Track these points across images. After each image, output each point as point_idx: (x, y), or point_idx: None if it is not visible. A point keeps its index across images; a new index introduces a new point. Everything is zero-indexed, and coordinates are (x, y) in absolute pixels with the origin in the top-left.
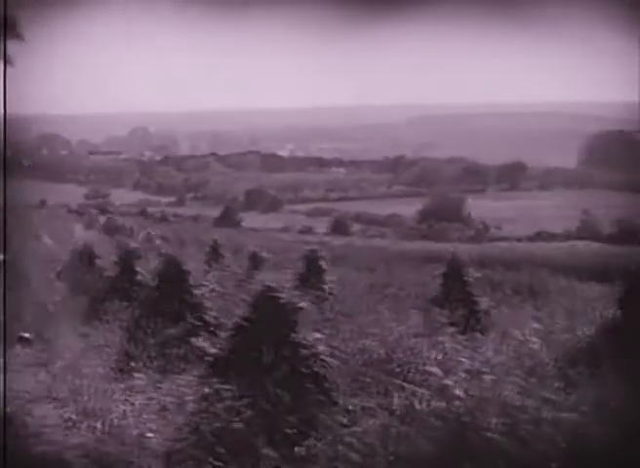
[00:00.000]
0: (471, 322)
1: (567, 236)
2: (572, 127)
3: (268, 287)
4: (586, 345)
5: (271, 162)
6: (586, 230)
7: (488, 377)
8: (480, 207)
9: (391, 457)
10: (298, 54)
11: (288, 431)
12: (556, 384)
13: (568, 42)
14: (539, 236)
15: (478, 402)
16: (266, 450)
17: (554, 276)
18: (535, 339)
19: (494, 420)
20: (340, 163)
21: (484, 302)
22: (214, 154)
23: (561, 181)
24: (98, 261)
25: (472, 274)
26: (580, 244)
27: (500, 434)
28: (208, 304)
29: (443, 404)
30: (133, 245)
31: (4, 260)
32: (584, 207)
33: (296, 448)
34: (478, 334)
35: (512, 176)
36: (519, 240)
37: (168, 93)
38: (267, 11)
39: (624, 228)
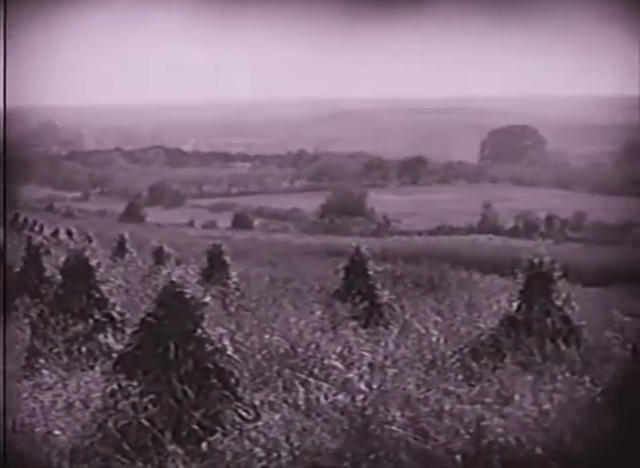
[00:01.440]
0: (373, 315)
1: (468, 230)
2: (474, 122)
3: (173, 282)
4: (488, 338)
5: (175, 157)
6: (488, 224)
7: (390, 370)
8: (382, 201)
9: (296, 452)
10: (200, 49)
11: (194, 427)
12: (458, 376)
13: (472, 38)
14: (439, 230)
15: (380, 395)
16: (172, 447)
17: (455, 269)
18: (436, 332)
19: (396, 413)
20: (244, 158)
21: (385, 296)
22: (118, 149)
23: (462, 176)
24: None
25: (374, 268)
26: (482, 237)
27: (402, 427)
28: (114, 300)
29: (346, 398)
30: (40, 240)
31: (4, 260)
32: (486, 201)
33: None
34: (380, 328)
35: (414, 171)
36: (420, 234)
37: (75, 87)
38: (168, 5)
39: (525, 222)
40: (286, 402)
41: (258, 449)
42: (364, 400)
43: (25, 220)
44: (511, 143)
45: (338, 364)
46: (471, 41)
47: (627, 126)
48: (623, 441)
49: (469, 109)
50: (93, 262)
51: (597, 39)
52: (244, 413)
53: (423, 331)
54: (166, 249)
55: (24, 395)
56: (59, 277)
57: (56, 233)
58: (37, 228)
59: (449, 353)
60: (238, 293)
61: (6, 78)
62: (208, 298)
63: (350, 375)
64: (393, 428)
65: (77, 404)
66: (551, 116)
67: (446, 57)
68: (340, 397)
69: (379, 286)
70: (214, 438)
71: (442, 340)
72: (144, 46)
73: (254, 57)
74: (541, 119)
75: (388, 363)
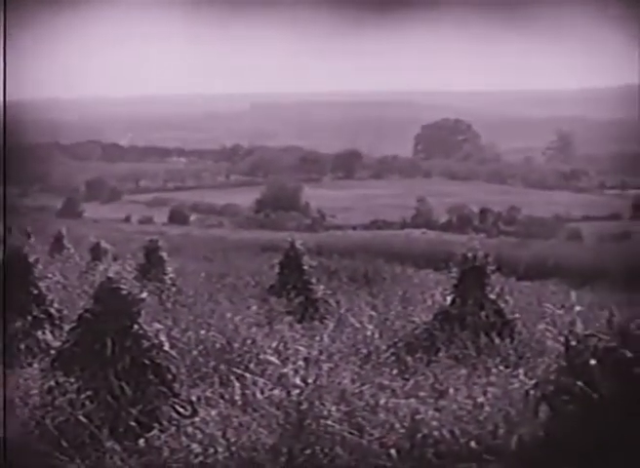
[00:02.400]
0: (308, 310)
1: (402, 224)
2: (408, 116)
3: (110, 278)
4: (423, 332)
5: (112, 151)
6: (422, 218)
7: (325, 365)
8: (316, 196)
9: (232, 448)
10: (138, 43)
11: (131, 423)
12: (393, 371)
13: (407, 33)
14: (374, 224)
15: (316, 390)
16: (110, 443)
17: (390, 264)
18: (370, 326)
19: (331, 408)
20: (181, 152)
21: (320, 291)
22: (56, 143)
23: (397, 170)
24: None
25: (309, 263)
26: (416, 232)
27: (337, 422)
28: (51, 297)
29: (282, 393)
30: None
31: (4, 261)
32: (420, 195)
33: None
34: (315, 323)
35: (348, 165)
36: (355, 228)
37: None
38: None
39: (459, 216)
40: (222, 397)
41: (195, 445)
42: (299, 395)
43: None
44: (445, 138)
45: (273, 359)
46: (406, 35)
47: (560, 120)
48: (557, 434)
49: (404, 103)
50: (31, 259)
51: (531, 34)
52: (181, 409)
53: (358, 325)
54: (103, 244)
55: None
56: None
57: None
58: None
59: (383, 347)
60: (174, 289)
61: None
62: (145, 294)
63: (286, 370)
64: (329, 423)
65: (16, 401)
66: (484, 110)
67: (380, 51)
68: (276, 392)
69: (313, 281)
70: (151, 434)
71: (377, 335)
72: (81, 41)
73: (189, 51)
74: (475, 113)
75: (323, 357)
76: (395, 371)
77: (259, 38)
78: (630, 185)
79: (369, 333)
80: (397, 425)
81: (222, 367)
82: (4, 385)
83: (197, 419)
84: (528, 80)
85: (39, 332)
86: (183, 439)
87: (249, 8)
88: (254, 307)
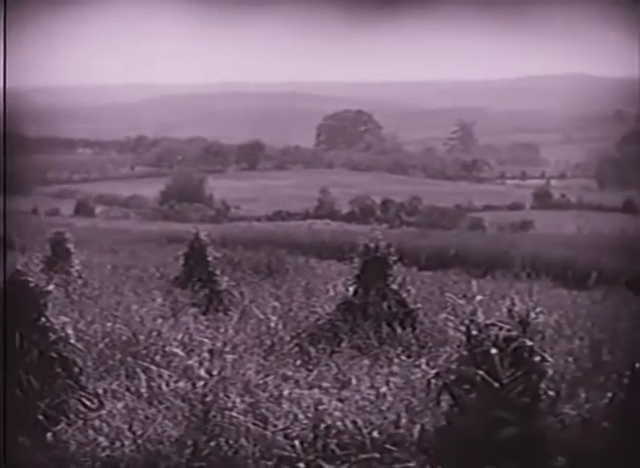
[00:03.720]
0: (213, 302)
1: (305, 215)
2: (309, 106)
3: (17, 270)
4: (326, 322)
5: (17, 142)
6: (324, 209)
7: (230, 357)
8: (221, 187)
9: (139, 440)
10: (43, 34)
11: (39, 417)
12: (297, 361)
13: (310, 25)
14: (277, 215)
15: (220, 381)
16: (22, 439)
17: (293, 255)
18: (274, 318)
19: (236, 399)
20: (86, 143)
21: (225, 282)
22: None
23: (299, 161)
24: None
25: (213, 254)
26: (319, 222)
27: (242, 413)
28: None
29: (187, 385)
30: None
31: (4, 261)
32: (322, 186)
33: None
34: (220, 314)
35: (251, 156)
36: (258, 219)
37: None
38: None
39: (361, 206)
40: (129, 390)
41: (101, 439)
42: (204, 386)
43: None
44: (346, 128)
45: (178, 351)
46: (310, 27)
47: (460, 110)
48: (459, 423)
49: (305, 94)
50: None
51: (432, 25)
52: (88, 403)
53: (262, 316)
54: (10, 236)
55: None
56: None
57: None
58: None
59: (287, 338)
60: (81, 282)
61: None
62: (51, 287)
63: (191, 362)
64: (233, 414)
65: None
66: (386, 101)
67: (282, 42)
68: (181, 384)
69: (218, 272)
70: (58, 428)
71: (280, 326)
72: None
73: (90, 42)
74: (376, 104)
75: (228, 349)
76: (299, 362)
77: (163, 29)
78: (530, 175)
79: (272, 325)
80: (301, 416)
81: (129, 359)
82: (4, 385)
83: (104, 412)
84: (429, 71)
85: None
86: (90, 432)
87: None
88: (159, 299)
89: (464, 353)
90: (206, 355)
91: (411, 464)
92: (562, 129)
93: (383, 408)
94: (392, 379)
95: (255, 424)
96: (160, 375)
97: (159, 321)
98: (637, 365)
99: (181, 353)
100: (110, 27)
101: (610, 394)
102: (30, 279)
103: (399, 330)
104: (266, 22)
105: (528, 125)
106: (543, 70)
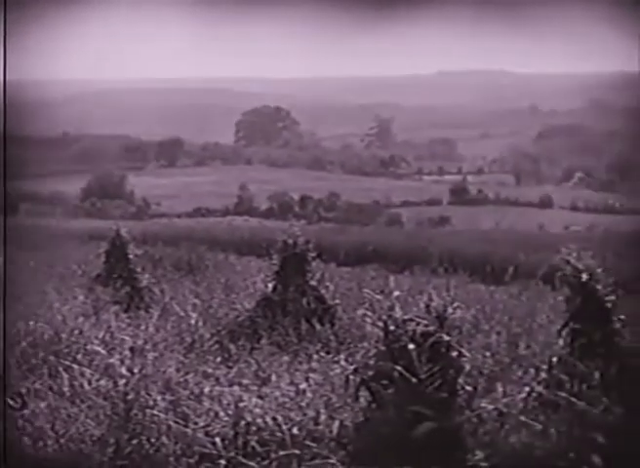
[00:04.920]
0: (134, 299)
1: (225, 211)
2: (228, 103)
3: None
4: (246, 319)
5: None
6: (244, 205)
7: (151, 354)
8: (141, 184)
9: (61, 440)
10: None
11: None
12: (217, 359)
13: (222, 22)
14: (197, 212)
15: (142, 379)
16: None
17: (213, 251)
18: (194, 315)
19: (157, 397)
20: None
21: (146, 279)
22: None
23: (218, 157)
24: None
25: (134, 251)
26: (238, 219)
27: (163, 411)
28: None
29: (109, 383)
30: None
31: (4, 263)
32: (241, 182)
33: None
34: (141, 312)
35: (171, 153)
36: (179, 216)
37: None
38: None
39: (280, 203)
40: (51, 389)
41: (25, 438)
42: (126, 385)
43: None
44: (265, 125)
45: (100, 349)
46: (229, 24)
47: (376, 106)
48: (377, 418)
49: (224, 90)
50: None
51: (349, 20)
52: (11, 402)
53: (182, 313)
54: None
55: None
56: None
57: None
58: None
59: (207, 335)
60: (4, 280)
61: None
62: None
63: (112, 360)
64: (154, 412)
65: None
66: (303, 97)
67: (201, 39)
68: (103, 382)
69: (139, 269)
70: None
71: (200, 323)
72: None
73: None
74: (294, 100)
75: (149, 347)
76: (219, 359)
77: (82, 24)
78: (447, 171)
79: (192, 322)
80: (221, 413)
81: (51, 358)
82: (4, 386)
83: (27, 412)
84: (345, 67)
85: None
86: (15, 432)
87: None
88: (81, 297)
89: (382, 348)
90: (127, 353)
91: (330, 460)
92: (478, 124)
93: (303, 404)
94: (311, 376)
95: (176, 422)
96: (82, 374)
97: (81, 319)
98: (554, 359)
99: (103, 351)
100: (29, 25)
101: (527, 388)
102: None
103: (318, 326)
104: (186, 20)
105: (445, 121)
106: (458, 66)
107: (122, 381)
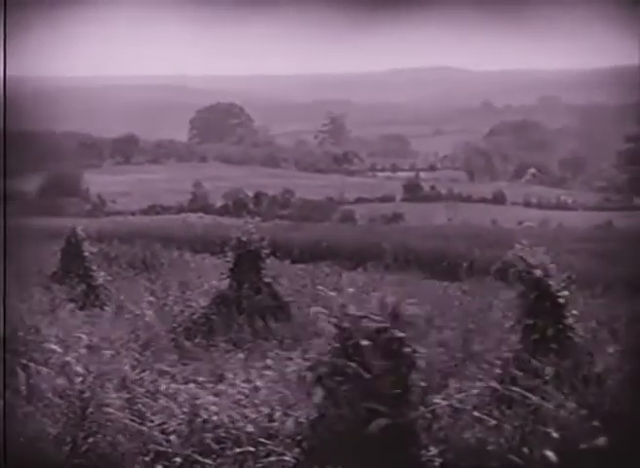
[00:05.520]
0: (90, 297)
1: (179, 209)
2: (183, 100)
3: None
4: (201, 316)
5: None
6: (198, 202)
7: (107, 352)
8: (96, 181)
9: (20, 438)
10: None
11: None
12: (173, 356)
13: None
14: (152, 209)
15: (98, 377)
16: None
17: (168, 249)
18: (150, 312)
19: (113, 395)
20: None
21: (101, 277)
22: None
23: (173, 154)
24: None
25: (89, 249)
26: (193, 216)
27: (119, 409)
28: None
29: (65, 381)
30: None
31: (4, 264)
32: (196, 179)
33: None
34: (97, 309)
35: (126, 150)
36: (133, 213)
37: None
38: None
39: (235, 200)
40: (8, 387)
41: None
42: (82, 383)
43: None
44: (218, 122)
45: (56, 347)
46: (181, 21)
47: (328, 103)
48: (331, 414)
49: (178, 88)
50: None
51: (309, 22)
52: None
53: (138, 311)
54: None
55: None
56: None
57: None
58: None
59: (163, 333)
60: None
61: None
62: None
63: (68, 358)
64: (110, 410)
65: None
66: (257, 94)
67: (155, 35)
68: (59, 381)
69: (94, 267)
70: None
71: (156, 320)
72: None
73: None
74: (248, 97)
75: (105, 344)
76: (175, 357)
77: (30, 22)
78: (400, 167)
79: (148, 320)
80: (177, 411)
81: (8, 356)
82: (4, 385)
83: None
84: (298, 64)
85: None
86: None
87: None
88: (37, 295)
89: (336, 345)
90: (83, 351)
91: (285, 457)
92: (431, 121)
93: (258, 401)
94: (266, 373)
95: (132, 420)
96: (38, 372)
97: (38, 317)
98: (507, 354)
99: (59, 349)
100: None
101: (481, 384)
102: None
103: (272, 323)
104: (139, 17)
105: (398, 117)
106: (411, 64)
107: (78, 379)
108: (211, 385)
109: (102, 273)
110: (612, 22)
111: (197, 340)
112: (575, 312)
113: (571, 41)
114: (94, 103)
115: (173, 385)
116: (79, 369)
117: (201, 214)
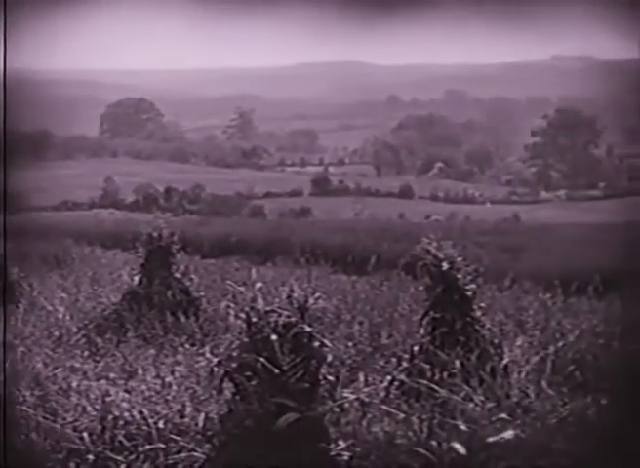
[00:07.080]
0: (4, 294)
1: (91, 204)
2: (93, 95)
3: None
4: (112, 312)
5: None
6: (109, 198)
7: (19, 349)
8: (12, 177)
9: None
10: None
11: None
12: (84, 353)
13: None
14: (64, 205)
15: (11, 375)
16: None
17: (79, 244)
18: (62, 309)
19: (26, 393)
20: None
21: (15, 274)
22: None
23: (84, 150)
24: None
25: (2, 245)
26: (104, 212)
27: (32, 407)
28: None
29: None
30: None
31: (4, 265)
32: (107, 175)
33: None
34: (10, 306)
35: (38, 145)
36: (45, 209)
37: None
38: None
39: (145, 195)
40: None
41: None
42: None
43: None
44: (129, 117)
45: None
46: (91, 18)
47: (236, 98)
48: (241, 410)
49: (89, 82)
50: None
51: (219, 15)
52: None
53: (50, 308)
54: None
55: None
56: None
57: None
58: None
59: (74, 329)
60: None
61: None
62: None
63: None
64: (24, 408)
65: None
66: (167, 89)
67: (65, 32)
68: None
69: (8, 264)
70: None
71: (68, 317)
72: None
73: None
74: (158, 92)
75: (17, 341)
76: (86, 353)
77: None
78: (309, 162)
79: (60, 316)
80: (89, 408)
81: None
82: (4, 383)
83: None
84: (206, 58)
85: None
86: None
87: None
88: None
89: (245, 340)
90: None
91: (196, 453)
92: (339, 116)
93: (169, 397)
94: (177, 368)
95: (44, 418)
96: None
97: None
98: (415, 348)
99: None
100: None
101: (389, 377)
102: None
103: (183, 318)
104: (53, 14)
105: (305, 112)
106: (317, 58)
107: None
108: (122, 382)
109: (16, 269)
110: (523, 19)
111: (108, 336)
112: (482, 305)
113: (477, 36)
114: (6, 98)
115: (85, 382)
116: None
117: (112, 210)
